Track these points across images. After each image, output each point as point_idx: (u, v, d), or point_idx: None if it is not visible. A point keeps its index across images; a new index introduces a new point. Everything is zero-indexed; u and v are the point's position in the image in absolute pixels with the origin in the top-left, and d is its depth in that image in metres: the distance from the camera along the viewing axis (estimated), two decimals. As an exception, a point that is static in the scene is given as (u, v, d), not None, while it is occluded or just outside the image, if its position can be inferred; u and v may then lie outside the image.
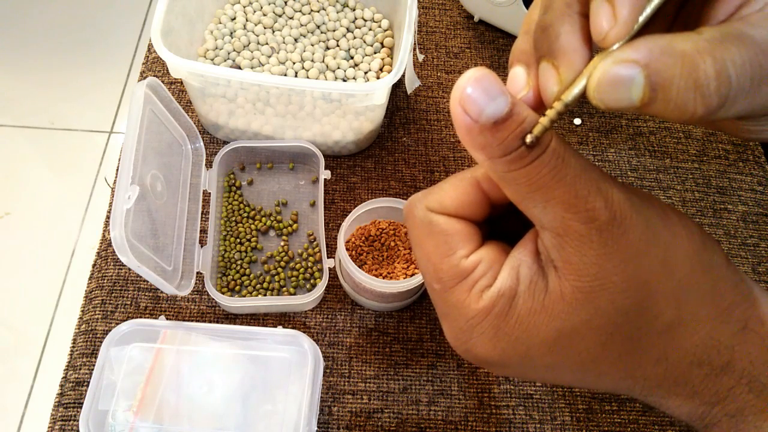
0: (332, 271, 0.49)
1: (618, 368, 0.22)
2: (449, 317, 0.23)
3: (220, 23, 0.57)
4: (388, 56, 0.56)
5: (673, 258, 0.21)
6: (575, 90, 0.19)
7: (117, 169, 0.45)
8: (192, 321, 0.48)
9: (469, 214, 0.23)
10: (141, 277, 0.43)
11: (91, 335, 0.47)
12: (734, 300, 0.22)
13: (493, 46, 0.64)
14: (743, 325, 0.22)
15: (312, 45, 0.55)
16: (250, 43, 0.55)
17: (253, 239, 0.51)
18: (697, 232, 0.22)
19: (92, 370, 0.43)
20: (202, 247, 0.49)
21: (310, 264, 0.50)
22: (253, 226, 0.52)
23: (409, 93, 0.58)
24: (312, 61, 0.54)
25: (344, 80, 0.54)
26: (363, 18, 0.58)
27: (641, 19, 0.18)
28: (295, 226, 0.52)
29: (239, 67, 0.53)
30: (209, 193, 0.52)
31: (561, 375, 0.23)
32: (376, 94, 0.46)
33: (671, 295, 0.21)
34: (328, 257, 0.50)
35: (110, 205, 0.52)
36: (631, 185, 0.22)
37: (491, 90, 0.18)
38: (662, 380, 0.22)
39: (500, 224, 0.25)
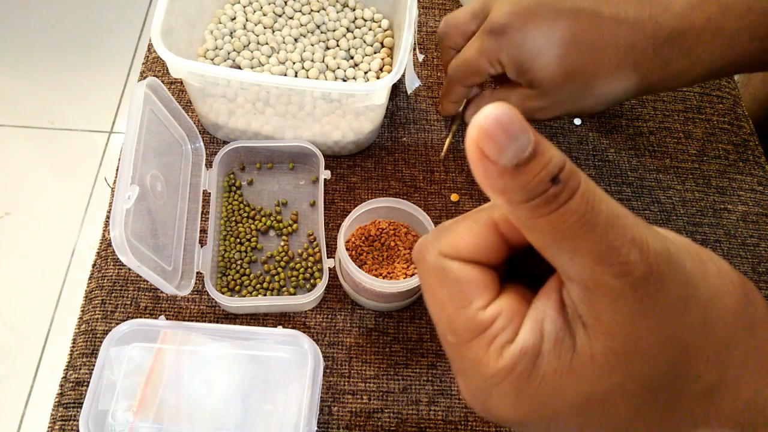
0: (332, 271, 0.49)
1: (652, 430, 0.20)
2: (465, 374, 0.21)
3: (220, 23, 0.57)
4: (388, 56, 0.56)
5: (714, 315, 0.19)
6: None
7: (117, 169, 0.45)
8: (192, 321, 0.48)
9: (485, 259, 0.21)
10: (141, 277, 0.43)
11: (91, 335, 0.47)
12: None
13: (493, 46, 0.64)
14: None
15: (312, 45, 0.55)
16: (250, 43, 0.55)
17: (253, 239, 0.51)
18: (739, 283, 0.20)
19: (92, 370, 0.43)
20: (202, 247, 0.49)
21: (310, 264, 0.50)
22: (253, 226, 0.52)
23: (409, 93, 0.58)
24: (312, 61, 0.54)
25: (344, 80, 0.54)
26: (363, 18, 0.58)
27: None
28: (295, 226, 0.52)
29: (239, 67, 0.53)
30: (209, 193, 0.52)
31: None
32: (376, 94, 0.46)
33: (712, 357, 0.19)
34: (328, 257, 0.50)
35: (110, 205, 0.52)
36: (664, 228, 0.20)
37: (512, 128, 0.17)
38: None
39: (520, 262, 0.23)
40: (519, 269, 0.23)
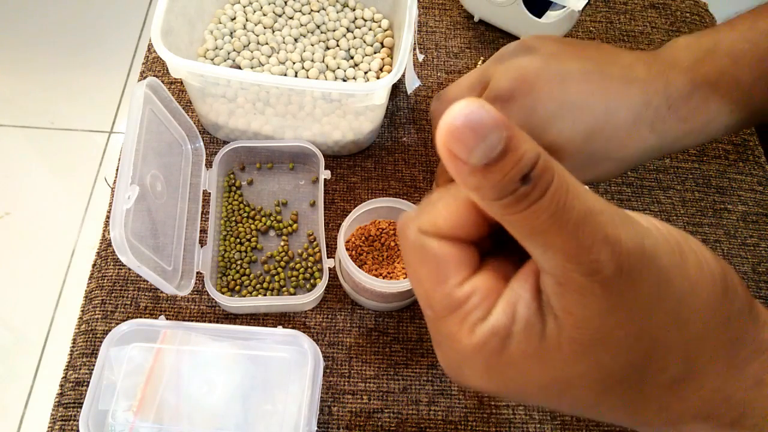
0: (332, 271, 0.49)
1: (617, 412, 0.21)
2: (441, 347, 0.22)
3: (220, 23, 0.57)
4: (388, 56, 0.56)
5: (688, 311, 0.19)
6: None
7: (117, 169, 0.45)
8: (192, 321, 0.48)
9: (464, 235, 0.22)
10: (141, 277, 0.43)
11: (91, 335, 0.47)
12: (751, 353, 0.21)
13: (492, 46, 0.64)
14: (758, 380, 0.21)
15: (312, 45, 0.55)
16: (250, 43, 0.55)
17: (253, 239, 0.51)
18: (719, 275, 0.20)
19: (92, 370, 0.43)
20: (202, 247, 0.49)
21: (310, 264, 0.50)
22: (253, 226, 0.52)
23: (409, 93, 0.58)
24: (312, 61, 0.54)
25: (344, 80, 0.54)
26: (363, 18, 0.58)
27: None
28: (295, 226, 0.52)
29: (239, 67, 0.53)
30: (209, 193, 0.52)
31: (558, 409, 0.23)
32: (376, 94, 0.46)
33: (681, 351, 0.20)
34: (328, 257, 0.50)
35: (110, 205, 0.52)
36: (648, 218, 0.20)
37: (481, 127, 0.16)
38: (666, 427, 0.21)
39: (506, 234, 0.24)
40: (506, 241, 0.23)
